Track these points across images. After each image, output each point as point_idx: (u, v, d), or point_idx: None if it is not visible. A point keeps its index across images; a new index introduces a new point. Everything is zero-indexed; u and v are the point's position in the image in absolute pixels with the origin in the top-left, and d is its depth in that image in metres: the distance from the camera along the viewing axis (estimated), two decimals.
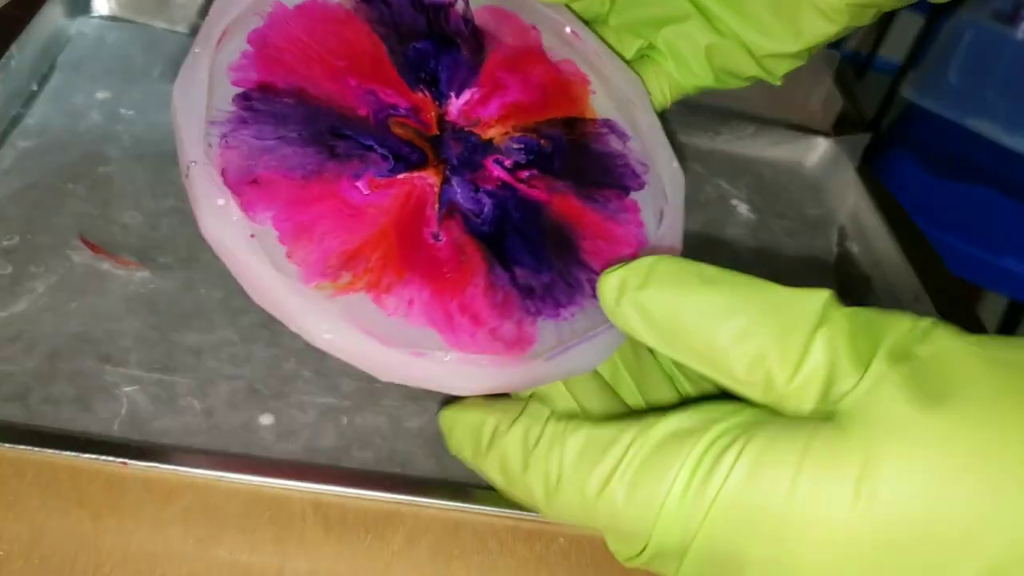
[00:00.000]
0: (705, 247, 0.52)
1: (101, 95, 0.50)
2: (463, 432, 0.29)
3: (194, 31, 0.57)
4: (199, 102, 0.28)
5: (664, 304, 0.24)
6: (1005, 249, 1.02)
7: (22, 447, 0.32)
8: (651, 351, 0.30)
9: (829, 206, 0.60)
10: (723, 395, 0.25)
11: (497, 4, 0.34)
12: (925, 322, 0.23)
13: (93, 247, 0.41)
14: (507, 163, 0.31)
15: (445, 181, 0.31)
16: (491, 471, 0.28)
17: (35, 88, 0.49)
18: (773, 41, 0.36)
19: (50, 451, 0.32)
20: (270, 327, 0.39)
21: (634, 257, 0.26)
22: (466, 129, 0.32)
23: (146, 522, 0.31)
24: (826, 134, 0.64)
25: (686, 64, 0.37)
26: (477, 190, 0.31)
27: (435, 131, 0.31)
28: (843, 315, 0.23)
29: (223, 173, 0.28)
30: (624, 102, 0.35)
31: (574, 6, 0.36)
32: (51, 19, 0.52)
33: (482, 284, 0.29)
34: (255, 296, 0.28)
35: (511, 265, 0.30)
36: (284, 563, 0.31)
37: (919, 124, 1.06)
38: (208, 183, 0.28)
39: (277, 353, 0.38)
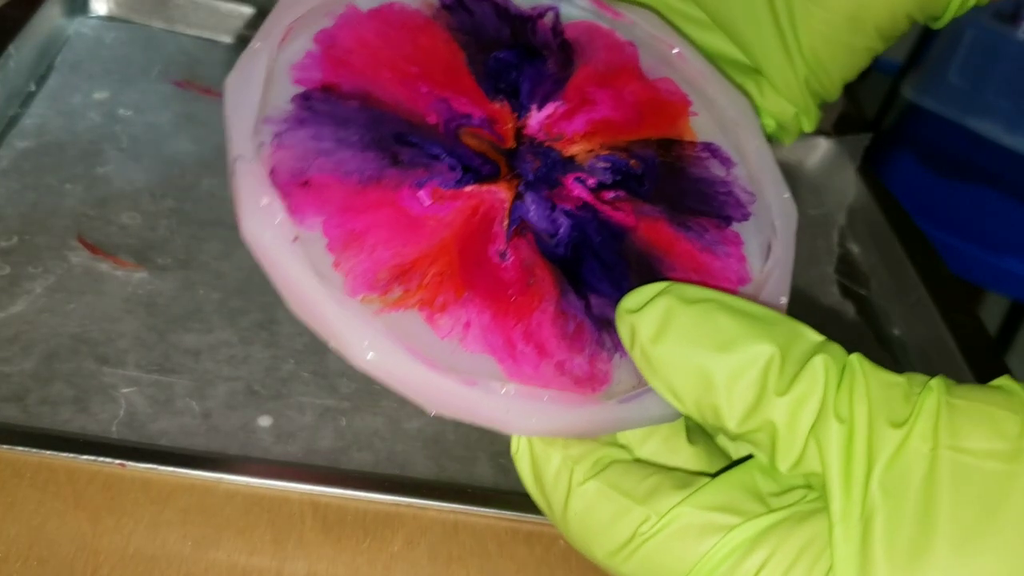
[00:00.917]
0: None
1: (99, 95, 0.50)
2: (524, 463, 0.26)
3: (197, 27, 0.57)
4: (253, 98, 0.27)
5: (676, 367, 0.23)
6: (1006, 249, 1.02)
7: (20, 448, 0.31)
8: None
9: (830, 206, 0.60)
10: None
11: (594, 20, 0.32)
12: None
13: (91, 248, 0.40)
14: (590, 182, 0.28)
15: (518, 197, 0.28)
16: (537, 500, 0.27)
17: (33, 88, 0.49)
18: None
19: (48, 452, 0.32)
20: (268, 328, 0.39)
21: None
22: (546, 144, 0.29)
23: (144, 523, 0.31)
24: (827, 134, 0.63)
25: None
26: (554, 208, 0.28)
27: (511, 144, 0.29)
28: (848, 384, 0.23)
29: (272, 172, 0.26)
30: (729, 125, 0.32)
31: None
32: (49, 19, 0.51)
33: (551, 311, 0.26)
34: (293, 306, 0.25)
35: (587, 292, 0.26)
36: (283, 565, 0.31)
37: (920, 124, 1.05)
38: (252, 180, 0.25)
39: (276, 354, 0.38)
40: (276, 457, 0.34)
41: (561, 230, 0.27)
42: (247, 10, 0.57)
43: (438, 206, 0.26)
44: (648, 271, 0.27)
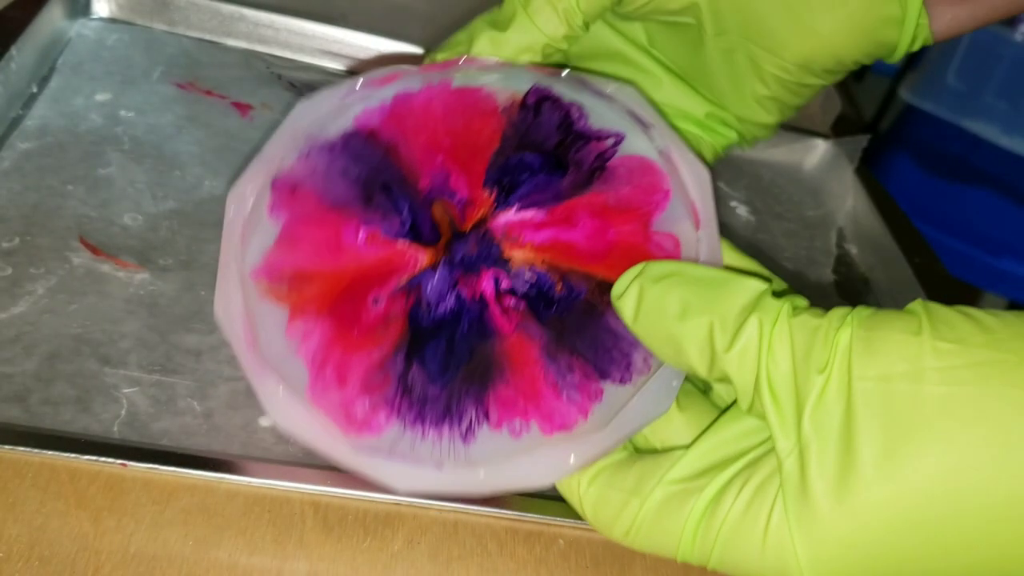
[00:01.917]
0: None
1: (101, 97, 0.50)
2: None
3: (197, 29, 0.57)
4: (313, 121, 0.31)
5: (654, 337, 0.28)
6: (1004, 250, 1.02)
7: (22, 449, 0.32)
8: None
9: (828, 207, 0.60)
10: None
11: (657, 161, 0.32)
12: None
13: (93, 249, 0.41)
14: (502, 284, 0.31)
15: (432, 267, 0.31)
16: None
17: (35, 90, 0.49)
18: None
19: (50, 453, 0.32)
20: None
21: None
22: (497, 239, 0.31)
23: (146, 523, 0.31)
24: (825, 136, 0.64)
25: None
26: (452, 288, 0.30)
27: (467, 227, 0.31)
28: (777, 305, 0.26)
29: (278, 177, 0.31)
30: None
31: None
32: (51, 21, 0.52)
33: (375, 358, 0.29)
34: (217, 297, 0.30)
35: (416, 361, 0.29)
36: (283, 564, 0.31)
37: (918, 126, 1.06)
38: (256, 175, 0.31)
39: None
40: (277, 457, 0.35)
41: (441, 307, 0.30)
42: (248, 12, 0.57)
43: (367, 246, 0.30)
44: (482, 375, 0.29)
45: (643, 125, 0.32)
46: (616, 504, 0.28)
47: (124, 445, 0.33)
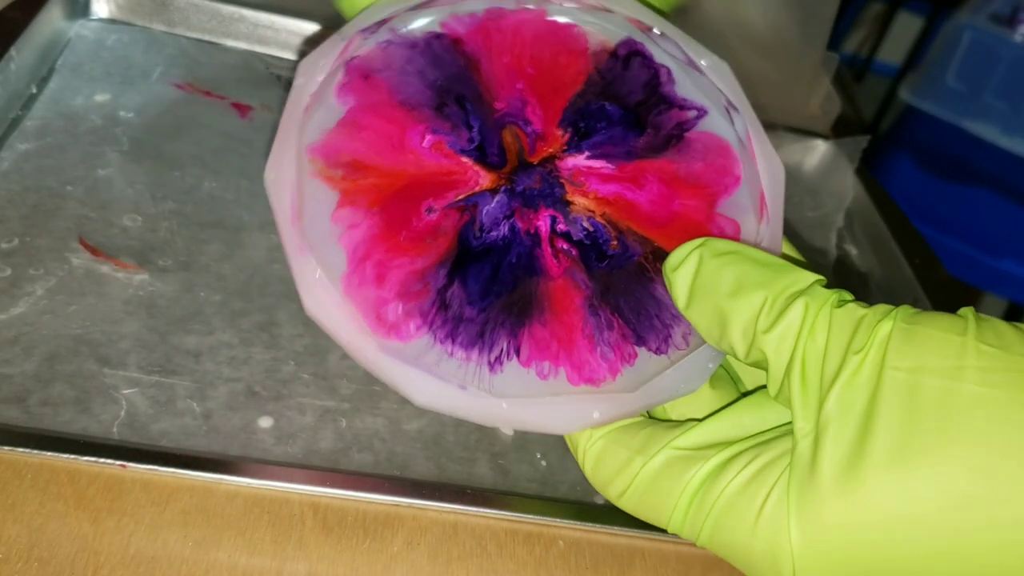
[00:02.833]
0: None
1: (100, 97, 0.50)
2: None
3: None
4: (397, 12, 0.31)
5: (703, 311, 0.28)
6: (1004, 251, 1.02)
7: (21, 450, 0.32)
8: None
9: (828, 208, 0.60)
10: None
11: (735, 147, 0.32)
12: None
13: (92, 250, 0.41)
14: (558, 226, 0.30)
15: (491, 191, 0.30)
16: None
17: (34, 91, 0.49)
18: None
19: (49, 454, 0.32)
20: (269, 330, 0.40)
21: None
22: (561, 179, 0.31)
23: (145, 524, 0.31)
24: (825, 136, 0.64)
25: None
26: (508, 218, 0.30)
27: (534, 160, 0.31)
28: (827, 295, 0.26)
29: (353, 59, 0.30)
30: None
31: None
32: (50, 22, 0.52)
33: (415, 268, 0.28)
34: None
35: (457, 279, 0.29)
36: (283, 565, 0.31)
37: (917, 126, 1.06)
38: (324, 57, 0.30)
39: (276, 356, 0.38)
40: (276, 458, 0.35)
41: (493, 233, 0.29)
42: (248, 13, 0.57)
43: (430, 153, 0.29)
44: (520, 308, 0.29)
45: (729, 106, 0.32)
46: (619, 461, 0.28)
47: (123, 446, 0.33)
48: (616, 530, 0.35)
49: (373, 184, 0.29)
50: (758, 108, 0.32)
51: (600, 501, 0.36)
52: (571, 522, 0.34)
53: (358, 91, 0.30)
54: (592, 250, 0.30)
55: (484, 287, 0.29)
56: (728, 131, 0.31)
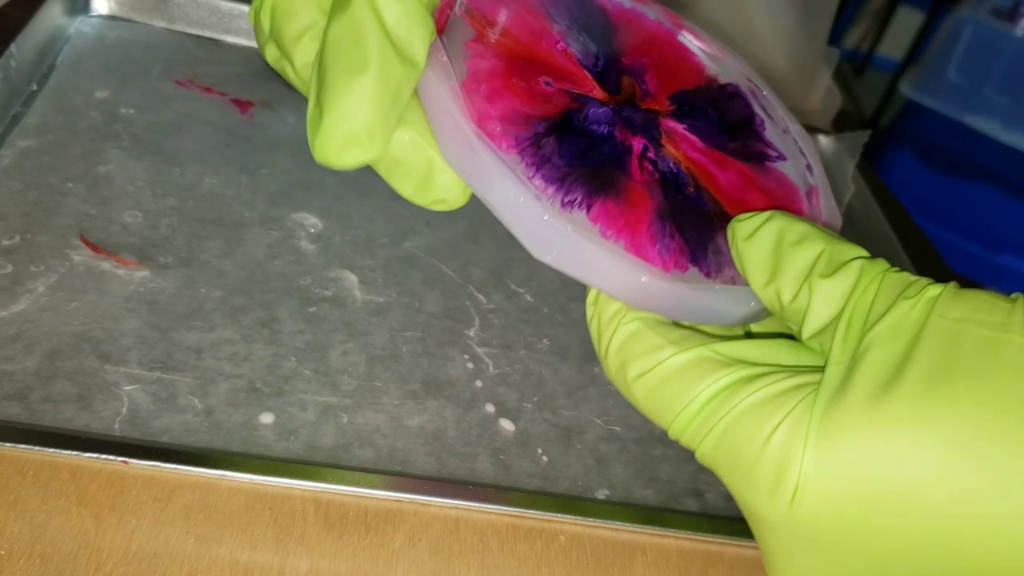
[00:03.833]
0: None
1: (100, 94, 0.50)
2: (591, 305, 0.31)
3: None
4: None
5: (757, 253, 0.28)
6: (1004, 246, 1.02)
7: (23, 446, 0.32)
8: None
9: None
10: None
11: (803, 195, 0.35)
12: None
13: (93, 246, 0.41)
14: (649, 154, 0.32)
15: (601, 102, 0.32)
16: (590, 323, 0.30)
17: (35, 87, 0.49)
18: None
19: (51, 450, 0.32)
20: (270, 326, 0.40)
21: None
22: (660, 126, 0.33)
23: (147, 521, 0.31)
24: (826, 131, 0.64)
25: None
26: (610, 125, 0.31)
27: (641, 106, 0.33)
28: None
29: None
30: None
31: None
32: (50, 18, 0.52)
33: (524, 109, 0.30)
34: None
35: (555, 136, 0.30)
36: (285, 561, 0.31)
37: (918, 121, 1.06)
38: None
39: (277, 352, 0.38)
40: (278, 454, 0.35)
41: (594, 126, 0.31)
42: (247, 9, 0.57)
43: (560, 54, 0.32)
44: (600, 182, 0.30)
45: (806, 162, 0.35)
46: (649, 344, 0.28)
47: (125, 442, 0.33)
48: (617, 525, 0.35)
49: (507, 44, 0.31)
50: None
51: (601, 497, 0.36)
52: (572, 517, 0.34)
53: (499, 6, 0.32)
54: (671, 183, 0.31)
55: (575, 154, 0.30)
56: (800, 180, 0.34)
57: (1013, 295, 0.25)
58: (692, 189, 0.32)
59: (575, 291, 0.46)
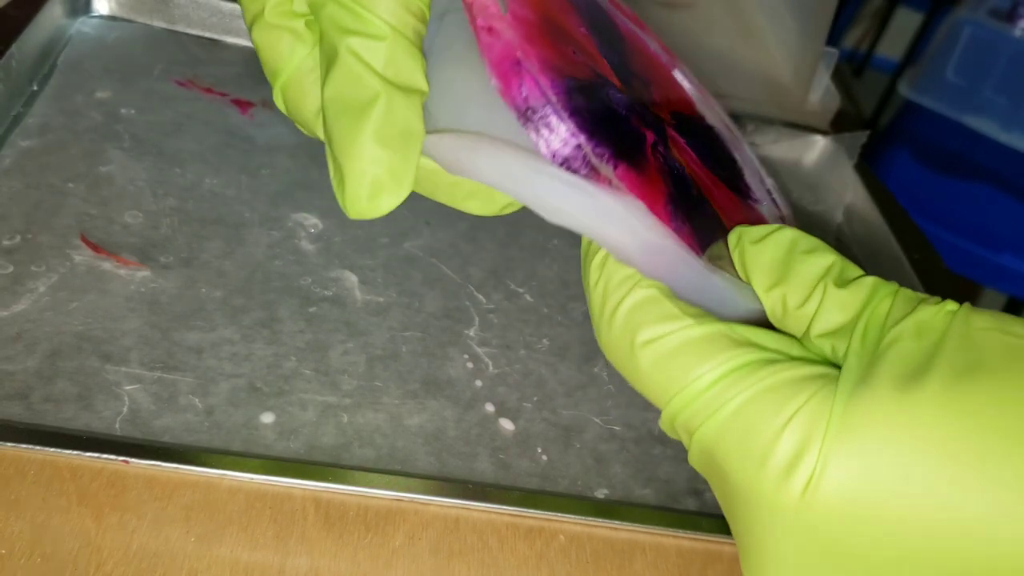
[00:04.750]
0: None
1: (101, 94, 0.50)
2: (596, 259, 0.29)
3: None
4: None
5: (765, 258, 0.28)
6: (1003, 246, 1.02)
7: (24, 446, 0.32)
8: None
9: (827, 203, 0.60)
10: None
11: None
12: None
13: (94, 247, 0.41)
14: (660, 148, 0.32)
15: (618, 89, 0.32)
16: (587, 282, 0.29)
17: (36, 88, 0.49)
18: None
19: (52, 450, 0.32)
20: (270, 326, 0.40)
21: None
22: (667, 129, 0.34)
23: (148, 520, 0.31)
24: (824, 132, 0.64)
25: None
26: (626, 108, 0.31)
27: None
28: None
29: None
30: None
31: None
32: (51, 19, 0.52)
33: (554, 61, 0.29)
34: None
35: (582, 95, 0.30)
36: (285, 560, 0.31)
37: (917, 121, 1.06)
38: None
39: (278, 352, 0.39)
40: (278, 454, 0.35)
41: (615, 97, 0.31)
42: None
43: (582, 36, 0.32)
44: (622, 147, 0.30)
45: (779, 211, 0.36)
46: (665, 312, 0.26)
47: (126, 442, 0.33)
48: (617, 524, 0.35)
49: (542, 6, 0.30)
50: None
51: (600, 496, 0.37)
52: (572, 516, 0.34)
53: None
54: (679, 180, 0.31)
55: (602, 117, 0.30)
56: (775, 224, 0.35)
57: None
58: (696, 192, 0.32)
59: (575, 291, 0.47)
